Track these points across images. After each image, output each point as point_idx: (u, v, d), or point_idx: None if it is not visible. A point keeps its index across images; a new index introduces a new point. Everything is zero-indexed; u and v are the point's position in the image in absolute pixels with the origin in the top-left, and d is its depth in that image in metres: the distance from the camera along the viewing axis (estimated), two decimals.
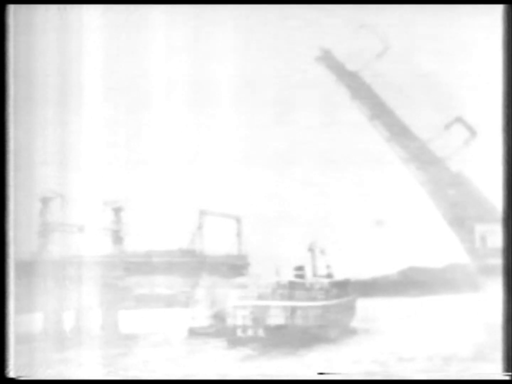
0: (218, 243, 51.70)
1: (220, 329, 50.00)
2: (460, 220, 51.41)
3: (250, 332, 49.54)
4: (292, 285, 50.67)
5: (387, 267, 50.68)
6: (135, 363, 46.95)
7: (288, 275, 50.81)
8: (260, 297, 50.33)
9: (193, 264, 51.56)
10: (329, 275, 51.38)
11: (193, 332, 49.97)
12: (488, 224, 50.27)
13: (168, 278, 51.19)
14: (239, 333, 49.63)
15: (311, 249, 50.92)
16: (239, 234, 52.13)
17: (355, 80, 51.85)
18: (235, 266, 52.17)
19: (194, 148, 49.99)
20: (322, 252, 50.70)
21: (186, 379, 44.98)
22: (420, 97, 50.21)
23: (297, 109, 49.66)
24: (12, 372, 44.10)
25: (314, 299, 50.54)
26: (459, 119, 51.03)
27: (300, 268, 51.04)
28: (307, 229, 49.64)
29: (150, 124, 49.62)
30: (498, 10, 45.91)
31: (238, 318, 49.76)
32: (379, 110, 51.96)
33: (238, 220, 51.76)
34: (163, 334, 49.29)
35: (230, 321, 49.86)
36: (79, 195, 48.83)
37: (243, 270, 52.18)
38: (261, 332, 49.50)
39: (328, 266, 51.12)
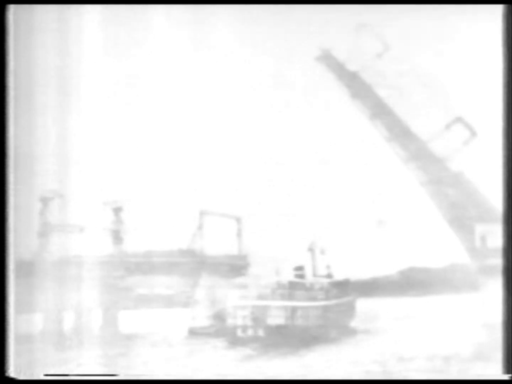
0: (218, 243, 51.70)
1: (220, 329, 50.00)
2: (460, 220, 51.42)
3: (250, 332, 49.56)
4: (292, 285, 50.69)
5: (387, 267, 50.68)
6: (135, 363, 46.96)
7: (288, 275, 50.82)
8: (260, 297, 50.34)
9: (193, 264, 51.56)
10: (329, 275, 51.39)
11: (193, 332, 49.97)
12: (488, 224, 50.27)
13: (168, 278, 51.20)
14: (239, 333, 49.64)
15: (311, 249, 50.91)
16: (239, 234, 52.13)
17: (355, 80, 51.87)
18: (235, 266, 52.17)
19: (195, 148, 50.01)
20: (322, 252, 50.71)
21: (186, 379, 45.00)
22: (420, 97, 50.22)
23: (297, 110, 49.67)
24: (12, 372, 44.12)
25: (314, 299, 50.55)
26: (459, 119, 51.04)
27: (300, 268, 51.04)
28: (307, 229, 49.66)
29: (150, 124, 49.64)
30: (498, 10, 45.93)
31: (238, 318, 49.77)
32: (379, 110, 51.97)
33: (238, 220, 51.76)
34: (163, 334, 49.30)
35: (230, 321, 49.87)
36: (79, 195, 48.85)
37: (243, 270, 52.19)
38: (261, 332, 49.51)
39: (328, 266, 51.13)
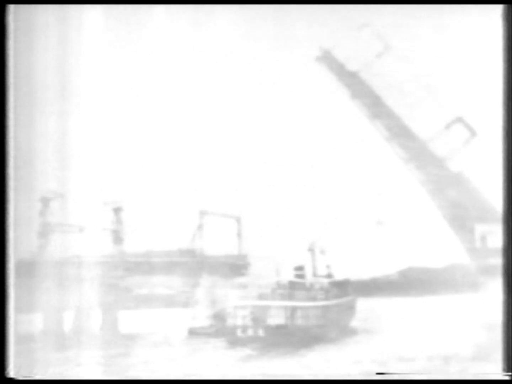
0: (218, 243, 51.70)
1: (220, 329, 49.99)
2: (460, 220, 51.41)
3: (250, 332, 49.55)
4: (292, 285, 50.68)
5: (387, 267, 50.68)
6: (135, 363, 46.96)
7: (288, 275, 50.81)
8: (260, 297, 50.35)
9: (193, 264, 51.56)
10: (329, 275, 51.39)
11: (193, 332, 49.96)
12: (488, 224, 50.27)
13: (168, 278, 51.19)
14: (239, 333, 49.64)
15: (311, 249, 50.92)
16: (239, 234, 52.12)
17: (355, 80, 51.86)
18: (235, 266, 52.16)
19: (195, 148, 50.01)
20: (322, 252, 50.70)
21: (186, 379, 44.99)
22: (420, 97, 50.21)
23: (298, 110, 49.68)
24: (12, 372, 44.11)
25: (314, 299, 50.55)
26: (459, 119, 51.05)
27: (300, 268, 51.04)
28: (307, 229, 49.65)
29: (150, 123, 49.64)
30: (498, 10, 45.92)
31: (238, 318, 49.77)
32: (379, 110, 51.96)
33: (238, 220, 51.75)
34: (163, 334, 49.29)
35: (230, 321, 49.87)
36: (79, 195, 48.84)
37: (243, 270, 52.19)
38: (261, 332, 49.51)
39: (328, 266, 51.12)
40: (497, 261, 45.86)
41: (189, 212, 50.49)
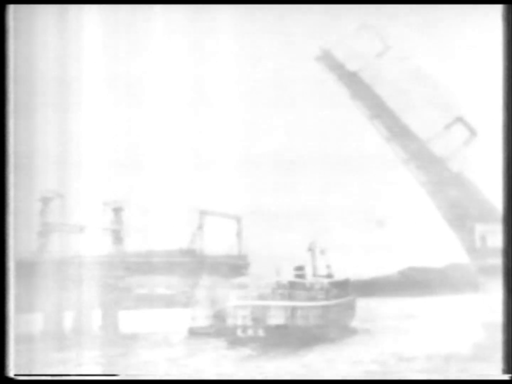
0: (218, 243, 51.68)
1: (220, 329, 49.98)
2: (461, 220, 51.38)
3: (250, 332, 49.53)
4: (292, 285, 50.67)
5: (387, 267, 50.65)
6: (135, 363, 46.94)
7: (288, 275, 50.79)
8: (260, 297, 50.31)
9: (193, 264, 51.53)
10: (329, 275, 51.36)
11: (193, 332, 49.95)
12: (488, 224, 50.25)
13: (168, 278, 51.17)
14: (239, 333, 49.61)
15: (311, 249, 50.88)
16: (239, 234, 52.09)
17: (355, 80, 51.84)
18: (235, 266, 52.13)
19: (195, 148, 49.99)
20: (322, 252, 50.67)
21: (186, 379, 44.98)
22: (420, 97, 50.20)
23: (297, 109, 49.66)
24: (12, 372, 44.11)
25: (314, 299, 50.54)
26: (459, 119, 51.03)
27: (300, 268, 51.02)
28: (307, 229, 49.63)
29: (151, 124, 49.63)
30: (498, 10, 45.93)
31: (238, 318, 49.75)
32: (379, 110, 51.94)
33: (238, 220, 51.73)
34: (163, 334, 49.28)
35: (230, 321, 49.85)
36: (79, 195, 48.84)
37: (243, 270, 52.16)
38: (261, 332, 49.48)
39: (328, 266, 51.10)
40: (497, 261, 45.87)
41: (189, 212, 50.48)
